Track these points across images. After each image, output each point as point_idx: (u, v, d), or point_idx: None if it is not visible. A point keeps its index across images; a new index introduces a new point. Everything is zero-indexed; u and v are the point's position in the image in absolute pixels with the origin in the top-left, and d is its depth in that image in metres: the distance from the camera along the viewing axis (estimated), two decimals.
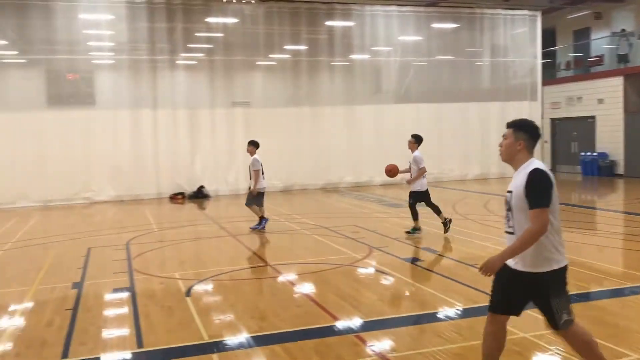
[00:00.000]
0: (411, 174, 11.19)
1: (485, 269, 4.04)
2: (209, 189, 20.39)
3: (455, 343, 5.57)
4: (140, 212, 16.57)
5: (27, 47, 21.67)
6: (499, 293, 4.25)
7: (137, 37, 20.01)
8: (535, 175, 3.99)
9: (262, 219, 12.41)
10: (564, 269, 4.08)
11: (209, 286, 8.13)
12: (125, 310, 7.06)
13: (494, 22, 23.85)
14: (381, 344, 5.65)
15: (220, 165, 20.69)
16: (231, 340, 5.87)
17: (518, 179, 4.08)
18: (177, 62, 21.63)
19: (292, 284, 8.23)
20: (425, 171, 11.22)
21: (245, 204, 12.58)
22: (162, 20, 19.72)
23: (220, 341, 5.84)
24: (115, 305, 7.37)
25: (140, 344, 5.85)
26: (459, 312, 6.51)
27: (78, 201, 18.95)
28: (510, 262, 4.09)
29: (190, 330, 6.20)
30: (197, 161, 20.55)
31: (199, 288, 8.00)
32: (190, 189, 20.17)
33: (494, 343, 4.30)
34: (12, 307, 7.35)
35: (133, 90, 20.20)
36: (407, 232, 11.22)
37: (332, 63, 22.60)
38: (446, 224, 11.09)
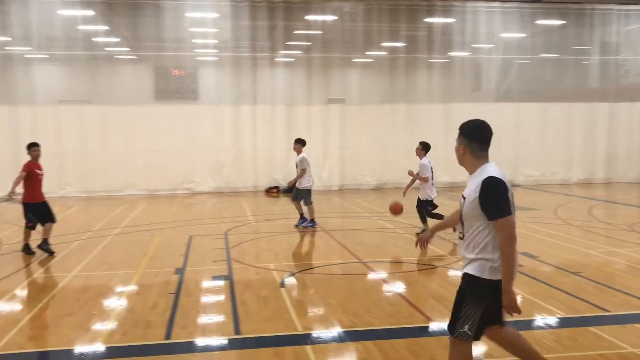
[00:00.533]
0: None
1: (510, 310, 3.81)
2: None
3: (555, 353, 5.33)
4: (237, 204, 17.13)
5: (137, 45, 22.99)
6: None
7: (239, 35, 20.66)
8: (490, 184, 3.76)
9: (302, 218, 12.51)
10: (487, 283, 3.81)
11: (302, 278, 8.28)
12: (223, 297, 7.33)
13: (606, 17, 22.47)
14: (477, 348, 5.51)
15: (315, 161, 20.88)
16: (324, 333, 5.94)
17: (471, 185, 3.88)
18: (276, 59, 22.13)
19: (385, 281, 8.21)
20: (427, 181, 11.25)
21: (293, 200, 12.62)
22: (263, 18, 20.22)
23: (314, 333, 5.93)
24: (214, 292, 7.67)
25: (237, 330, 6.06)
26: (559, 321, 6.23)
27: (181, 191, 19.87)
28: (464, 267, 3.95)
29: (284, 320, 6.34)
30: (292, 156, 20.90)
31: (292, 280, 8.17)
32: (285, 183, 20.59)
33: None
34: (120, 289, 7.84)
35: (234, 86, 20.89)
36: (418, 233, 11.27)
37: (430, 60, 22.25)
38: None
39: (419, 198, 11.42)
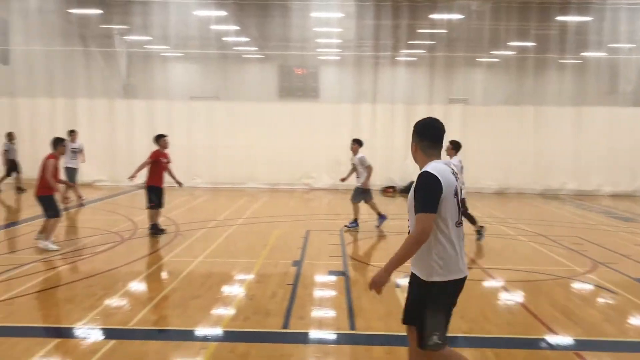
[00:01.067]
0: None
1: (372, 285, 3.76)
2: None
3: None
4: (349, 201, 17.23)
5: (264, 44, 23.89)
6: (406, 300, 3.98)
7: (362, 34, 20.80)
8: (422, 179, 3.72)
9: (381, 216, 12.24)
10: (445, 285, 3.70)
11: None
12: (339, 292, 7.44)
13: None
14: None
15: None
16: None
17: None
18: (398, 58, 22.04)
19: (505, 290, 7.92)
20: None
21: (352, 200, 12.28)
22: (387, 17, 20.21)
23: None
24: (329, 287, 7.81)
25: (352, 326, 6.13)
26: None
27: (299, 186, 20.40)
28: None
29: (398, 320, 6.30)
30: (410, 156, 20.70)
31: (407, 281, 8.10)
32: (401, 183, 20.46)
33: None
34: (241, 277, 8.21)
35: (355, 85, 21.09)
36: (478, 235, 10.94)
37: (561, 60, 21.08)
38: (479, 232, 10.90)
39: None
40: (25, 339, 5.59)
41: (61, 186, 10.01)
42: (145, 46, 22.71)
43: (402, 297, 7.15)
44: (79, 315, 6.29)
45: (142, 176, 11.40)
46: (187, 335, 5.80)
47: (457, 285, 3.84)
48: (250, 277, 8.16)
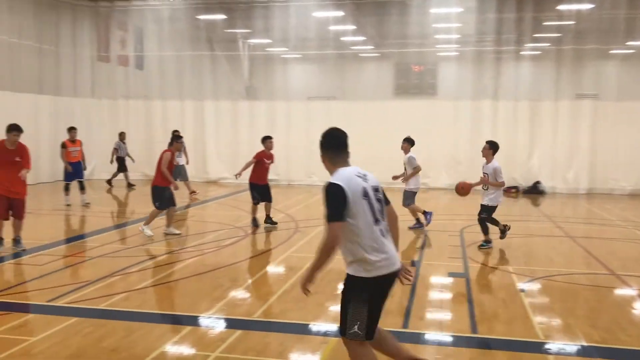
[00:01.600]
0: (486, 186, 9.83)
1: (301, 285, 4.09)
2: (546, 185, 19.48)
3: None
4: (473, 203, 16.71)
5: (381, 42, 23.88)
6: None
7: (483, 29, 20.17)
8: (326, 190, 3.93)
9: (426, 213, 11.71)
10: (365, 280, 3.94)
11: (543, 285, 7.81)
12: (459, 294, 7.28)
13: None
14: None
15: (560, 161, 19.51)
16: (569, 345, 5.55)
17: None
18: (521, 52, 21.13)
19: None
20: (504, 185, 9.79)
21: (404, 205, 11.76)
22: (511, 10, 19.42)
23: (556, 344, 5.58)
24: (450, 289, 7.66)
25: (473, 329, 5.98)
26: None
27: None
28: None
29: (523, 326, 6.07)
30: (534, 155, 19.79)
31: (533, 285, 7.76)
32: (525, 183, 19.60)
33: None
34: None
35: (475, 81, 20.47)
36: (491, 245, 10.02)
37: None
38: (504, 231, 10.12)
39: (483, 206, 9.98)
40: (159, 325, 6.01)
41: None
42: (266, 49, 23.54)
43: (527, 302, 6.88)
44: (208, 305, 6.66)
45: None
46: (307, 329, 5.95)
47: (383, 281, 4.00)
48: None
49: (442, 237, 10.99)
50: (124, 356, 5.14)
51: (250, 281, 7.87)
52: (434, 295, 7.30)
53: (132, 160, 19.33)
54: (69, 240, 10.73)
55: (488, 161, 10.07)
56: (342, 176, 3.98)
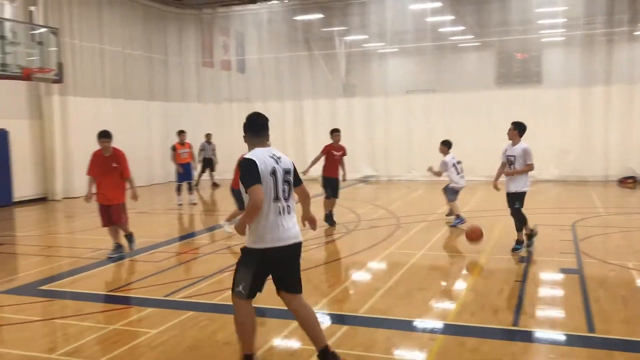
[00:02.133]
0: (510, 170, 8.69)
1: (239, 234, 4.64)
2: None
3: None
4: (585, 194, 15.92)
5: (481, 31, 23.16)
6: None
7: (592, 10, 19.02)
8: (240, 163, 4.57)
9: (458, 217, 11.11)
10: (254, 251, 4.55)
11: None
12: (573, 291, 6.93)
13: None
14: None
15: None
16: None
17: None
18: (636, 33, 19.71)
19: None
20: (533, 168, 8.60)
21: (448, 201, 11.37)
22: None
23: None
24: (562, 285, 7.32)
25: (590, 328, 5.68)
26: None
27: None
28: None
29: None
30: None
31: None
32: None
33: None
34: (465, 271, 8.11)
35: (584, 66, 19.35)
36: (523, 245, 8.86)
37: None
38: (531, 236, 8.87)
39: (513, 194, 8.81)
40: (268, 320, 6.20)
41: None
42: (363, 45, 23.55)
43: None
44: (313, 300, 6.79)
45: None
46: (414, 326, 5.92)
47: (274, 253, 4.54)
48: (475, 271, 8.01)
49: (552, 232, 10.50)
50: (236, 349, 5.35)
51: (354, 277, 7.93)
52: (546, 292, 7.01)
53: (216, 161, 19.73)
54: (181, 238, 11.33)
55: (515, 143, 9.06)
56: (256, 154, 4.59)
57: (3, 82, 14.27)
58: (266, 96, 22.58)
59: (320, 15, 22.53)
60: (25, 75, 12.81)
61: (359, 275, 8.07)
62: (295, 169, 4.79)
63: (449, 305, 6.58)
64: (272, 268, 4.66)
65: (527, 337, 5.53)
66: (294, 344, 5.53)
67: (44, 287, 7.77)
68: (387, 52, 22.78)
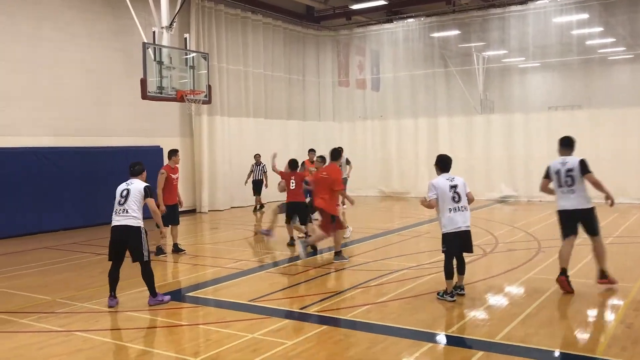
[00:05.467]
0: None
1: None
2: None
3: None
4: None
5: (635, 42, 21.45)
6: None
7: None
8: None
9: None
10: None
11: None
12: None
13: None
14: None
15: None
16: None
17: None
18: None
19: None
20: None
21: None
22: None
23: None
24: None
25: None
26: None
27: None
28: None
29: None
30: None
31: None
32: None
33: None
34: (614, 301, 7.51)
35: None
36: None
37: None
38: None
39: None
40: (400, 339, 6.15)
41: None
42: (503, 60, 22.81)
43: None
44: (447, 323, 6.66)
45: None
46: (555, 357, 5.57)
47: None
48: (626, 302, 7.38)
49: None
50: None
51: (490, 301, 7.65)
52: None
53: (266, 184, 18.56)
54: (316, 253, 11.61)
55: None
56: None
57: (159, 104, 15.66)
58: (400, 113, 22.61)
59: (457, 32, 22.18)
60: (179, 97, 13.91)
61: (496, 300, 7.76)
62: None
63: (595, 337, 6.11)
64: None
65: None
66: None
67: (190, 294, 8.35)
68: (528, 66, 21.86)
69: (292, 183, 12.13)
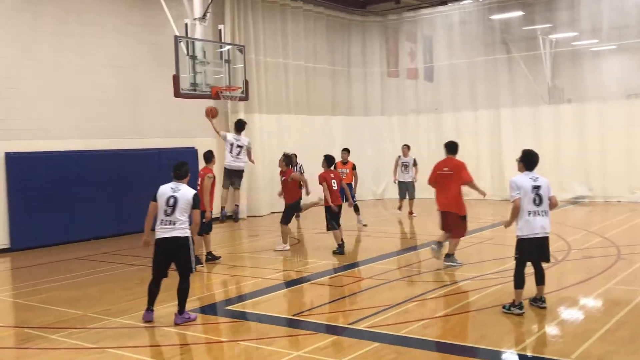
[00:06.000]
0: None
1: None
2: None
3: None
4: None
5: None
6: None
7: None
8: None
9: None
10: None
11: None
12: None
13: None
14: None
15: None
16: None
17: None
18: None
19: None
20: None
21: None
22: None
23: None
24: None
25: None
26: None
27: None
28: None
29: None
30: None
31: None
32: None
33: None
34: None
35: None
36: None
37: None
38: None
39: None
40: (460, 358, 6.08)
41: None
42: (573, 43, 22.26)
43: None
44: (517, 339, 6.55)
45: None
46: None
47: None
48: None
49: None
50: None
51: (563, 316, 7.48)
52: None
53: (307, 191, 18.39)
54: (364, 262, 11.59)
55: None
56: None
57: (192, 103, 15.76)
58: (457, 106, 22.33)
59: (520, 13, 21.75)
60: (214, 93, 14.05)
61: (570, 314, 7.58)
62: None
63: None
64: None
65: None
66: None
67: (229, 307, 8.46)
68: (603, 50, 21.25)
69: (334, 183, 12.16)
